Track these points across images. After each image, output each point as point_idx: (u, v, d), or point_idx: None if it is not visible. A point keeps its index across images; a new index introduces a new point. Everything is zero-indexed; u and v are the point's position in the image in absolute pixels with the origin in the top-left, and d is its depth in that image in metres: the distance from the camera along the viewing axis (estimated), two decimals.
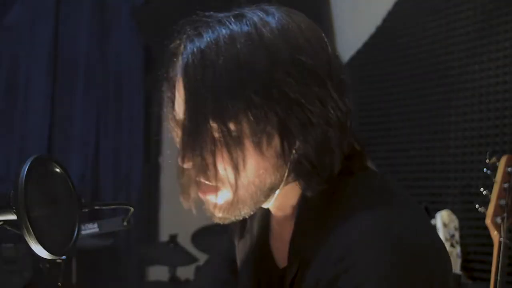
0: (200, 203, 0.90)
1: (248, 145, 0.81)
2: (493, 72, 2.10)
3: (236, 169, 0.81)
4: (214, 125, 0.80)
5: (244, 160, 0.81)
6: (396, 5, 2.59)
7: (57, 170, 0.86)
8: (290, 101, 0.80)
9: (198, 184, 0.85)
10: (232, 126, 0.80)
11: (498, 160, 1.66)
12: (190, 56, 0.82)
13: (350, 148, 0.87)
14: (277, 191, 0.87)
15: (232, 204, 0.85)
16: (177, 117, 0.87)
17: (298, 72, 0.80)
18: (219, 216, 0.87)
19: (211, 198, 0.85)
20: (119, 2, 3.66)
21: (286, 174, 0.84)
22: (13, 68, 3.44)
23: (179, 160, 0.84)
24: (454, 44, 2.27)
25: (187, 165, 0.83)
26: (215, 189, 0.84)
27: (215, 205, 0.86)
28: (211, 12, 0.86)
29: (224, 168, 0.82)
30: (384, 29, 2.63)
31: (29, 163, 0.79)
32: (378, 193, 0.84)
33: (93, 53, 3.61)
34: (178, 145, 0.87)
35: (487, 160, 1.67)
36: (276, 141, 0.82)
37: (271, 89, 0.79)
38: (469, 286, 1.98)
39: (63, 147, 3.52)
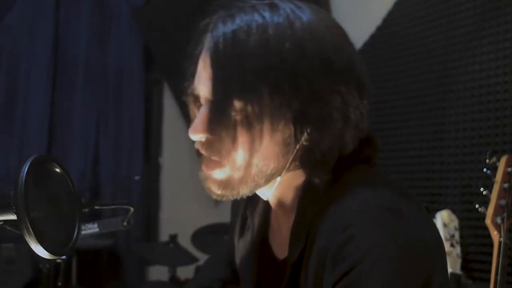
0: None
1: (266, 127, 0.82)
2: (493, 72, 2.10)
3: (252, 148, 0.83)
4: (238, 103, 0.82)
5: (260, 141, 0.83)
6: (396, 5, 2.59)
7: (57, 170, 0.85)
8: (313, 93, 0.82)
9: (204, 159, 0.87)
10: (254, 107, 0.81)
11: (498, 160, 1.66)
12: (221, 35, 0.83)
13: (360, 143, 0.89)
14: (278, 178, 0.89)
15: (233, 183, 0.87)
16: (195, 92, 0.89)
17: (324, 67, 0.82)
18: (218, 193, 0.88)
19: (215, 173, 0.87)
20: (119, 2, 3.66)
21: (289, 162, 0.86)
22: (13, 68, 3.44)
23: (190, 132, 0.86)
24: (454, 44, 2.27)
25: (203, 137, 0.85)
26: (221, 165, 0.86)
27: (215, 182, 0.88)
28: None
29: (240, 146, 0.83)
30: (384, 29, 2.64)
31: (29, 163, 0.79)
32: (381, 182, 0.87)
33: (93, 53, 3.61)
34: (193, 119, 0.88)
35: (487, 160, 1.67)
36: (288, 128, 0.83)
37: (297, 79, 0.81)
38: (469, 286, 1.98)
39: (63, 147, 3.53)
